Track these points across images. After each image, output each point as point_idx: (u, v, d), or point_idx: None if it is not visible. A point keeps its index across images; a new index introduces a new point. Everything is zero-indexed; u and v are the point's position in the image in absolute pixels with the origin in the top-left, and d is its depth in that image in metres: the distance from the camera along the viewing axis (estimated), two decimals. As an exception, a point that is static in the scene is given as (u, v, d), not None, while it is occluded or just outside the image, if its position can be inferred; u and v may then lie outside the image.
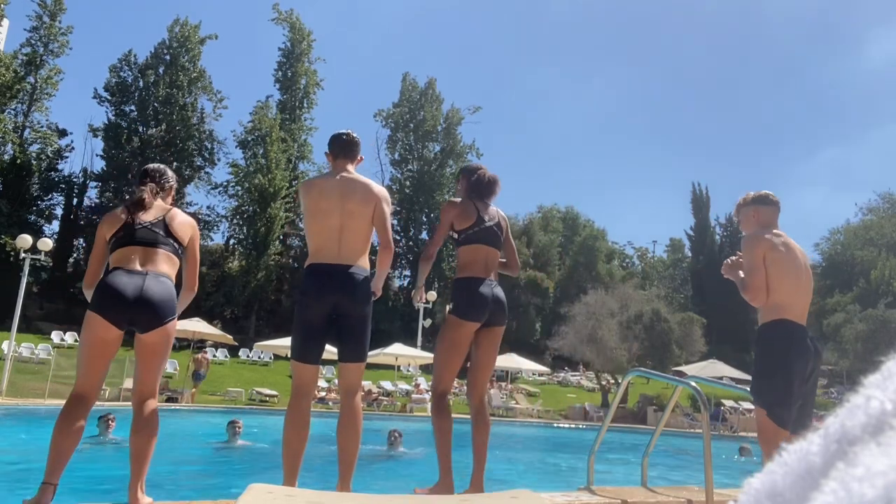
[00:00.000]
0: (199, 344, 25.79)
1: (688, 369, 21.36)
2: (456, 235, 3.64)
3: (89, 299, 3.01)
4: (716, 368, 22.65)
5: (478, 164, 4.06)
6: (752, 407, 3.52)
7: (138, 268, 2.95)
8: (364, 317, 3.23)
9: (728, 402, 23.47)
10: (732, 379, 20.79)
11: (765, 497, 0.31)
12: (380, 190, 3.38)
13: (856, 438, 0.28)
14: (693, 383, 4.09)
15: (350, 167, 3.42)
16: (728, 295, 41.36)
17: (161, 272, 3.00)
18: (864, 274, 39.26)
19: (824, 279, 43.03)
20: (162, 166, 3.42)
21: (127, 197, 3.26)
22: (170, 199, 3.34)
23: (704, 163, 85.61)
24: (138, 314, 2.89)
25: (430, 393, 4.06)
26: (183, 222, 3.19)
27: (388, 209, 3.37)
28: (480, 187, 3.75)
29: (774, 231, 3.36)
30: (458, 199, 3.73)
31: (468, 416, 3.66)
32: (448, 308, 3.58)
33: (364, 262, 3.30)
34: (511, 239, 3.83)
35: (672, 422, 18.35)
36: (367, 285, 3.25)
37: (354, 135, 3.52)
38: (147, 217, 3.09)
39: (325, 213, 3.23)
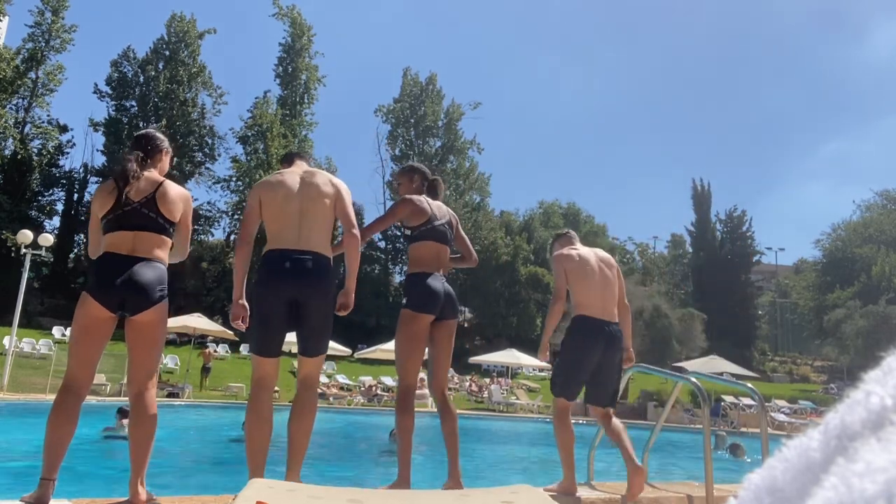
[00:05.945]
0: (201, 340, 25.87)
1: (688, 365, 21.34)
2: (409, 232, 3.69)
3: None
4: (716, 364, 22.64)
5: (421, 165, 4.11)
6: (752, 403, 3.55)
7: (128, 253, 2.94)
8: (326, 307, 3.11)
9: (728, 398, 23.47)
10: (733, 375, 20.79)
11: (765, 492, 0.30)
12: (342, 183, 3.33)
13: (856, 434, 0.28)
14: (693, 378, 4.10)
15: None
16: (728, 291, 41.44)
17: (151, 256, 2.98)
18: (864, 270, 39.16)
19: (825, 275, 42.94)
20: (150, 131, 3.35)
21: (116, 167, 3.19)
22: (164, 164, 3.25)
23: (706, 158, 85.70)
24: (128, 296, 2.88)
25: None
26: (173, 199, 3.08)
27: (349, 201, 3.31)
28: (434, 188, 3.89)
29: (572, 248, 4.18)
30: (413, 197, 3.74)
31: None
32: (403, 302, 3.59)
33: (326, 251, 3.18)
34: (462, 233, 3.89)
35: (672, 417, 18.32)
36: (329, 273, 3.14)
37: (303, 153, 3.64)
38: (137, 194, 3.01)
39: (284, 196, 3.17)
